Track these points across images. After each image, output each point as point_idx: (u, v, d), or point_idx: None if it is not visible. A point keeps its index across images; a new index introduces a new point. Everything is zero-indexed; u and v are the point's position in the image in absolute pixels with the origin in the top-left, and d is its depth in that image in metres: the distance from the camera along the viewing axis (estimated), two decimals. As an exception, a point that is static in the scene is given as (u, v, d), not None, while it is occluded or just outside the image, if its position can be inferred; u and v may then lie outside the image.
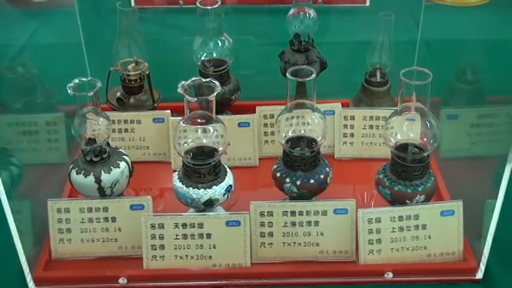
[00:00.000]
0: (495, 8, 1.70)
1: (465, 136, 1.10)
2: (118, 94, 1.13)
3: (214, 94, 0.84)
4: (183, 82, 0.85)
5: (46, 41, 1.27)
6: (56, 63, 1.19)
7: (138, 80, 1.11)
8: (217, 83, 0.86)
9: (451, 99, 1.18)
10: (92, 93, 0.85)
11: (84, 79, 0.86)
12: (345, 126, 1.10)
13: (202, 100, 0.84)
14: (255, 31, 1.45)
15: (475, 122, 1.10)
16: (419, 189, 0.88)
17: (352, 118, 1.09)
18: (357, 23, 1.64)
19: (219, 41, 1.09)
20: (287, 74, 0.87)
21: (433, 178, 0.90)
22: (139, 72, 1.11)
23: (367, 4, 1.72)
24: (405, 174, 0.88)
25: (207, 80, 0.86)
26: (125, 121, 1.09)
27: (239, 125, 1.08)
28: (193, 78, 0.86)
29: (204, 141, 0.89)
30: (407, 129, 0.88)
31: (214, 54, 1.10)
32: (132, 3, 1.70)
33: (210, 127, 0.88)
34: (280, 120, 0.90)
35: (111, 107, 1.13)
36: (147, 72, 1.11)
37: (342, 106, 1.11)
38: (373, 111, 1.10)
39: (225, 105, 1.13)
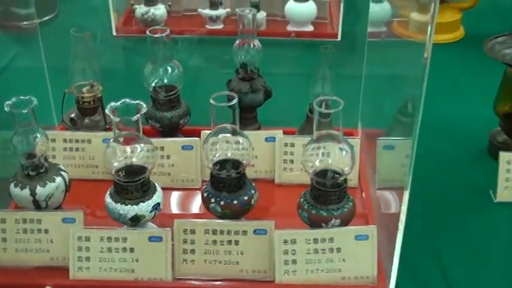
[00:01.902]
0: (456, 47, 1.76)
1: (400, 167, 1.13)
2: (72, 115, 1.19)
3: (138, 115, 0.89)
4: (112, 103, 0.91)
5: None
6: (17, 85, 1.26)
7: (92, 102, 1.17)
8: (143, 104, 0.91)
9: (393, 131, 1.22)
10: (26, 111, 0.91)
11: (22, 97, 0.93)
12: (285, 152, 1.14)
13: (128, 120, 0.90)
14: (214, 59, 1.52)
15: (409, 153, 1.13)
16: (335, 213, 0.92)
17: (292, 145, 1.14)
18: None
19: (168, 68, 1.15)
20: (210, 100, 0.92)
21: (350, 203, 0.94)
22: (93, 94, 1.17)
23: (339, 39, 1.78)
24: (322, 198, 0.92)
25: (136, 101, 0.92)
26: (76, 140, 1.15)
27: (183, 147, 1.13)
28: (123, 100, 0.92)
29: (134, 159, 0.94)
30: (324, 156, 0.92)
31: (165, 80, 1.16)
32: (114, 33, 1.79)
33: (138, 146, 0.93)
34: (207, 143, 0.95)
35: (65, 127, 1.19)
36: (100, 95, 1.17)
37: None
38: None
39: (174, 129, 1.18)
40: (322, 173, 0.93)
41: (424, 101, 1.46)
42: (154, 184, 0.97)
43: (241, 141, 0.95)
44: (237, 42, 1.15)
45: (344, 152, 0.92)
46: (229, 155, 0.96)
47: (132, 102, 0.91)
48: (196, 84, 1.41)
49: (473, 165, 1.23)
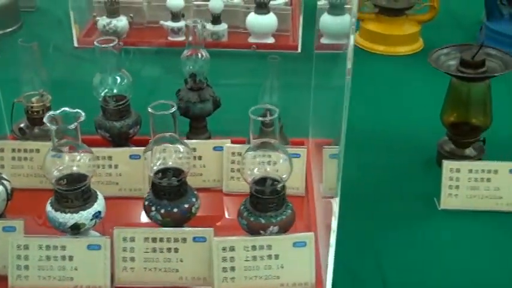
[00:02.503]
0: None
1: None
2: (22, 125, 1.19)
3: (76, 123, 0.90)
4: (50, 113, 0.92)
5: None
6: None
7: (41, 112, 1.18)
8: (82, 113, 0.92)
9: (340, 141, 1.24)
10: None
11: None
12: (233, 161, 1.15)
13: (65, 128, 0.90)
14: (172, 70, 1.53)
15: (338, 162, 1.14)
16: (274, 220, 0.93)
17: (240, 154, 1.15)
18: (286, 67, 1.71)
19: (117, 78, 1.16)
20: (148, 109, 0.93)
21: (289, 211, 0.95)
22: (42, 104, 1.18)
23: (299, 50, 1.80)
24: (260, 206, 0.93)
25: (75, 110, 0.93)
26: (25, 150, 1.15)
27: (131, 157, 1.13)
28: (63, 109, 0.93)
29: (74, 168, 0.94)
30: (261, 164, 0.93)
31: (115, 90, 1.17)
32: (75, 44, 1.80)
33: (77, 154, 0.93)
34: (149, 152, 0.95)
35: (15, 137, 1.19)
36: (49, 105, 1.18)
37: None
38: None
39: (124, 139, 1.19)
40: (260, 181, 0.94)
41: (377, 112, 1.49)
42: (95, 192, 0.97)
43: (181, 150, 0.96)
44: (185, 52, 1.16)
45: (281, 160, 0.93)
46: (170, 163, 0.97)
47: (72, 111, 0.92)
48: (151, 94, 1.42)
49: (421, 174, 1.25)
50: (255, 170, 0.94)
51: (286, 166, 0.93)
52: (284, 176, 0.93)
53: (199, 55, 1.16)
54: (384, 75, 1.70)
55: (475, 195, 1.14)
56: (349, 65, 0.80)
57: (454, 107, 1.21)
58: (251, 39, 1.82)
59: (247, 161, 0.93)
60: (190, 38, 1.17)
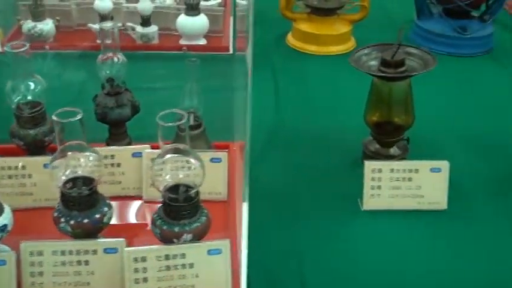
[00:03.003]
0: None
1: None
2: None
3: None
4: None
5: None
6: None
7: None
8: None
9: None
10: None
11: None
12: (164, 167, 1.12)
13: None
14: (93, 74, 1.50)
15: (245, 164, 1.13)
16: (187, 228, 0.91)
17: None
18: (218, 69, 1.69)
19: (30, 84, 1.12)
20: (53, 117, 0.89)
21: (204, 218, 0.93)
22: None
23: (231, 52, 1.77)
24: (173, 214, 0.91)
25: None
26: None
27: (45, 166, 1.09)
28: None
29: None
30: (173, 171, 0.91)
31: (29, 97, 1.12)
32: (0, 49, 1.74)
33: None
34: (56, 162, 0.92)
35: None
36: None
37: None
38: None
39: (39, 147, 1.14)
40: (173, 188, 0.91)
41: (307, 111, 1.48)
42: (1, 205, 0.93)
43: (91, 158, 0.93)
44: (100, 57, 1.13)
45: (194, 166, 0.91)
46: (79, 172, 0.93)
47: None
48: (74, 100, 1.38)
49: (347, 175, 1.24)
50: (167, 177, 0.91)
51: (199, 172, 0.91)
52: (197, 182, 0.91)
53: (116, 59, 1.13)
54: (315, 75, 1.69)
55: (397, 195, 1.13)
56: (249, 67, 0.78)
57: (376, 106, 1.21)
58: (182, 41, 1.79)
59: (157, 168, 0.90)
60: (110, 41, 1.14)
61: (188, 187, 0.92)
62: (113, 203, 0.99)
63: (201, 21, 1.76)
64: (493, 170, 1.28)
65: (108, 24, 1.12)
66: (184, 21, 1.76)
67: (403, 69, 1.16)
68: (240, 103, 1.24)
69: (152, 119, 1.25)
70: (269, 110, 1.48)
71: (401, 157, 1.24)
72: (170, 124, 0.89)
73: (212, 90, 1.31)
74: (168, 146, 0.90)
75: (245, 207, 0.86)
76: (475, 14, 1.86)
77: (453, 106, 1.54)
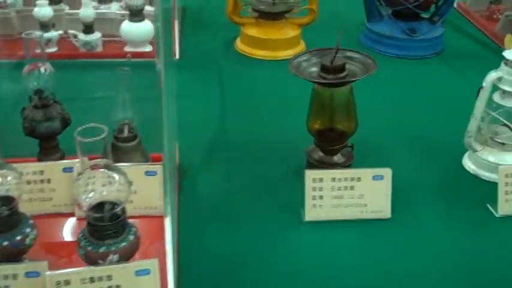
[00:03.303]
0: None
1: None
2: None
3: None
4: None
5: None
6: None
7: None
8: None
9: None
10: None
11: None
12: (87, 184, 1.07)
13: None
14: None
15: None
16: (113, 248, 0.86)
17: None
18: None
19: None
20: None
21: (132, 236, 0.88)
22: None
23: (177, 58, 1.73)
24: (98, 233, 0.86)
25: None
26: None
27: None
28: None
29: None
30: (96, 187, 0.86)
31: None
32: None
33: None
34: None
35: None
36: None
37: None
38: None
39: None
40: (96, 207, 0.86)
41: (253, 119, 1.44)
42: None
43: (9, 176, 0.88)
44: (26, 67, 1.07)
45: (117, 182, 0.86)
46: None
47: None
48: (11, 113, 1.32)
49: (290, 184, 1.20)
50: (90, 195, 0.86)
51: (124, 188, 0.86)
52: (122, 199, 0.86)
53: (42, 69, 1.08)
54: (263, 80, 1.65)
55: (340, 204, 1.10)
56: (162, 75, 0.74)
57: (318, 113, 1.18)
58: (127, 48, 1.74)
59: (78, 186, 0.85)
60: (38, 50, 1.08)
61: (114, 204, 0.87)
62: (43, 222, 0.95)
63: (145, 28, 1.72)
64: (439, 173, 1.26)
65: (37, 33, 1.07)
66: (128, 27, 1.71)
67: (343, 74, 1.13)
68: (171, 112, 1.20)
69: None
70: (213, 117, 1.44)
71: (346, 165, 1.21)
72: (90, 139, 0.84)
73: (154, 98, 1.27)
74: (90, 162, 0.85)
75: (168, 223, 0.81)
76: (424, 15, 1.85)
77: (401, 110, 1.52)
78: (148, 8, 1.78)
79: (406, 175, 1.25)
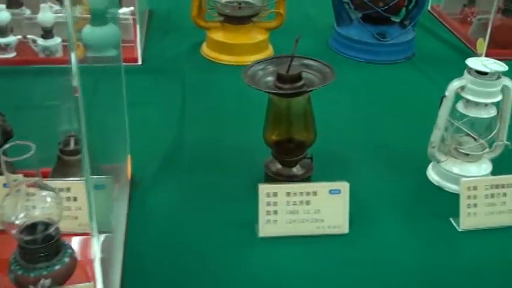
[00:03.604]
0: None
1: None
2: None
3: None
4: None
5: None
6: None
7: None
8: None
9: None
10: None
11: None
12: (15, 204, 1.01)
13: None
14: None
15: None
16: (44, 272, 0.81)
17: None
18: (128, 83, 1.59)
19: None
20: None
21: (67, 259, 0.83)
22: None
23: (139, 63, 1.68)
24: (29, 256, 0.81)
25: None
26: None
27: None
28: None
29: None
30: (24, 207, 0.81)
31: None
32: None
33: None
34: None
35: None
36: None
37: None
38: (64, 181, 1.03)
39: None
40: (28, 228, 0.82)
41: (215, 128, 1.39)
42: None
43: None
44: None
45: (47, 201, 0.81)
46: None
47: None
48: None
49: (246, 198, 1.14)
50: (20, 216, 0.81)
51: (55, 207, 0.81)
52: (55, 219, 0.81)
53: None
54: (228, 87, 1.60)
55: (295, 220, 1.06)
56: (75, 82, 0.69)
57: (275, 124, 1.14)
58: (90, 53, 1.68)
59: (7, 207, 0.80)
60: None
61: (47, 225, 0.82)
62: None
63: (109, 32, 1.66)
64: (402, 185, 1.22)
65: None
66: (90, 32, 1.65)
67: (300, 84, 1.08)
68: (117, 121, 1.16)
69: (36, 142, 1.16)
70: (172, 126, 1.38)
71: (305, 176, 1.17)
72: (16, 158, 0.79)
73: (113, 104, 1.23)
74: (19, 181, 0.80)
75: (95, 244, 0.76)
76: (395, 19, 1.81)
77: (367, 117, 1.48)
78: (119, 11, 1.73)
79: (368, 187, 1.20)
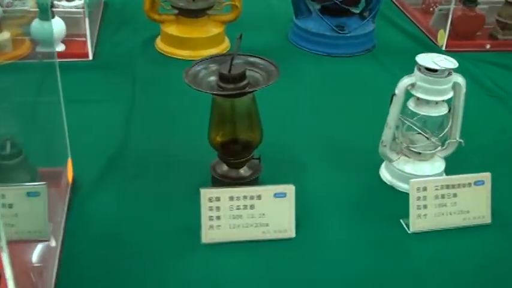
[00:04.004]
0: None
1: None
2: None
3: None
4: None
5: None
6: None
7: None
8: None
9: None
10: None
11: None
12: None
13: None
14: None
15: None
16: (-38, 291, 0.77)
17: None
18: (78, 80, 1.53)
19: None
20: None
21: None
22: None
23: (90, 58, 1.63)
24: None
25: None
26: None
27: None
28: None
29: None
30: None
31: None
32: None
33: None
34: None
35: None
36: None
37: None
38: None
39: None
40: None
41: (161, 129, 1.33)
42: None
43: None
44: None
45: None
46: None
47: None
48: None
49: (191, 203, 1.08)
50: None
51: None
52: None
53: None
54: (181, 84, 1.54)
55: (239, 225, 1.02)
56: None
57: (219, 124, 1.09)
58: (39, 48, 1.62)
59: None
60: None
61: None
62: None
63: (55, 26, 1.61)
64: (354, 185, 1.19)
65: None
66: (38, 26, 1.59)
67: (244, 83, 1.04)
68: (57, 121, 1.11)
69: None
70: (119, 126, 1.33)
71: (252, 178, 1.13)
72: None
73: (50, 104, 1.17)
74: None
75: (5, 259, 0.72)
76: (355, 11, 1.77)
77: (322, 114, 1.44)
78: (65, 4, 1.68)
79: (319, 187, 1.17)
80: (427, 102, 1.10)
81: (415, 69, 1.11)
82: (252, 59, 1.09)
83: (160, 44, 1.70)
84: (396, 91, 1.11)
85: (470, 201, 1.08)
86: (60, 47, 1.64)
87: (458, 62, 1.09)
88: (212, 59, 1.09)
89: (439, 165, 1.18)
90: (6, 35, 1.61)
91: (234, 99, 1.06)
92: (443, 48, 1.74)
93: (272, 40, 1.78)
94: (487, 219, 1.09)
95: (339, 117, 1.42)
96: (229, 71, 1.03)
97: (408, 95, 1.13)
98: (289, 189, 1.03)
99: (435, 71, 1.08)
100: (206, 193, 1.01)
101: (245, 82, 1.04)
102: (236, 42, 1.04)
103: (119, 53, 1.67)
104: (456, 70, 1.11)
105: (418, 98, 1.11)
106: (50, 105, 1.13)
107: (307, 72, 1.61)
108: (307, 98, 1.50)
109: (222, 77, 1.04)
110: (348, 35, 1.70)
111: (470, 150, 1.22)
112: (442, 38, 1.76)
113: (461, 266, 1.01)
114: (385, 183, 1.19)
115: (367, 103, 1.48)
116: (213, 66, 1.08)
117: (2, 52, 1.62)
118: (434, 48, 1.75)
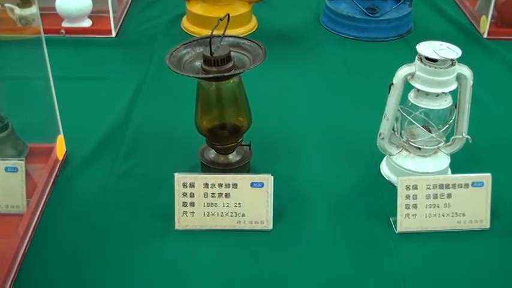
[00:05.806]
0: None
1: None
2: None
3: None
4: None
5: None
6: None
7: None
8: None
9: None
10: None
11: None
12: None
13: None
14: None
15: None
16: None
17: None
18: (95, 56, 1.54)
19: None
20: None
21: None
22: None
23: (113, 35, 1.63)
24: None
25: None
26: None
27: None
28: None
29: None
30: None
31: None
32: None
33: None
34: None
35: None
36: None
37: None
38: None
39: None
40: None
41: (162, 110, 1.31)
42: None
43: None
44: None
45: None
46: None
47: None
48: None
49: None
50: None
51: None
52: None
53: None
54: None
55: (214, 213, 0.99)
56: None
57: (205, 109, 1.06)
58: (64, 24, 1.64)
59: None
60: None
61: None
62: None
63: (82, 2, 1.62)
64: (350, 179, 1.12)
65: None
66: (63, 1, 1.61)
67: (229, 66, 1.00)
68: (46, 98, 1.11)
69: None
70: (123, 106, 1.32)
71: (241, 164, 1.09)
72: None
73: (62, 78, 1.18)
74: None
75: None
76: (392, -7, 1.67)
77: (336, 101, 1.37)
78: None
79: (311, 179, 1.12)
80: (427, 94, 1.02)
81: (416, 58, 1.03)
82: (238, 41, 1.04)
83: (185, 23, 1.68)
84: (394, 80, 1.03)
85: (466, 204, 1.00)
86: (87, 23, 1.65)
87: (499, 51, 0.99)
88: (190, 43, 1.05)
89: (443, 162, 1.09)
90: (34, 9, 1.63)
91: (219, 83, 1.02)
92: (485, 36, 1.62)
93: (301, 22, 1.71)
94: (486, 224, 1.00)
95: (352, 105, 1.35)
96: (211, 53, 0.99)
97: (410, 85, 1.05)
98: (267, 178, 0.98)
99: (435, 60, 1.00)
100: (180, 178, 0.98)
101: (230, 65, 1.00)
102: (222, 24, 1.00)
103: (143, 31, 1.66)
104: (495, 61, 1.01)
105: (418, 90, 1.03)
106: (37, 81, 1.13)
107: (329, 56, 1.54)
108: (321, 84, 1.43)
109: (205, 60, 1.00)
110: (380, 18, 1.61)
111: (487, 149, 1.13)
112: (485, 25, 1.64)
113: (447, 274, 0.94)
114: (384, 178, 1.12)
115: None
116: (198, 49, 1.04)
117: (27, 26, 1.65)
118: (476, 36, 1.63)
